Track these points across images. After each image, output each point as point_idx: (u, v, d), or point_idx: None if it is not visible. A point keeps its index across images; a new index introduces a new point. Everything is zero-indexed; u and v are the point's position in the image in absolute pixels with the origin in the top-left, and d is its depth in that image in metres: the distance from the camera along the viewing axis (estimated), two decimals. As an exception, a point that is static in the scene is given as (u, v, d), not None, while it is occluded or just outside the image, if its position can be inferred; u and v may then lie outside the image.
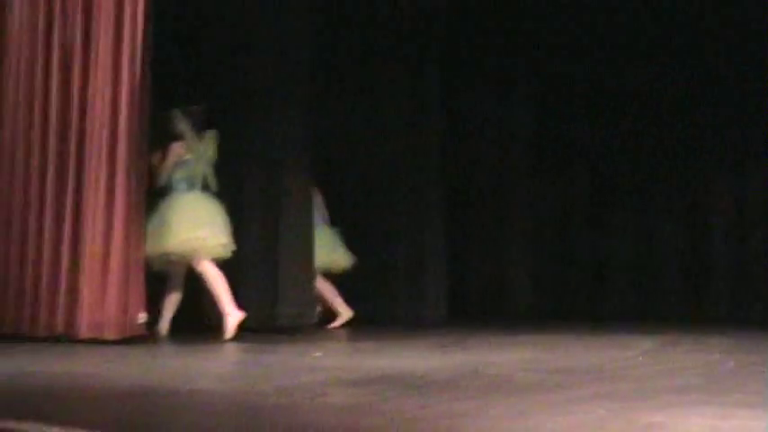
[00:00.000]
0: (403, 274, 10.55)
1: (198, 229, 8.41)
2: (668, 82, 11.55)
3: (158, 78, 8.27)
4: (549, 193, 12.05)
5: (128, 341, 7.69)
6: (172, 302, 8.63)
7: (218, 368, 6.65)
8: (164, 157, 8.65)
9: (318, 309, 9.61)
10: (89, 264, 7.84)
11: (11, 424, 4.11)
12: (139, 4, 7.95)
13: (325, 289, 9.93)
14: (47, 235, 8.05)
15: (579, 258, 11.94)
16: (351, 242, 10.48)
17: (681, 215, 11.65)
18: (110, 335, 7.72)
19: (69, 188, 8.03)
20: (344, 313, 9.98)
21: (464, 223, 11.77)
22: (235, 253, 8.99)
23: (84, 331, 7.81)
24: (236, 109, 9.44)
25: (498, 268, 11.80)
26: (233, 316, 8.36)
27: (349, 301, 10.28)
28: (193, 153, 8.67)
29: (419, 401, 4.95)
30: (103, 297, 7.78)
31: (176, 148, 8.68)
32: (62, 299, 7.94)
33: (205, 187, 8.69)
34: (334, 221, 10.38)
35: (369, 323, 10.14)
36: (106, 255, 7.80)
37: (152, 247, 8.28)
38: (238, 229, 9.25)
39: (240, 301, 9.08)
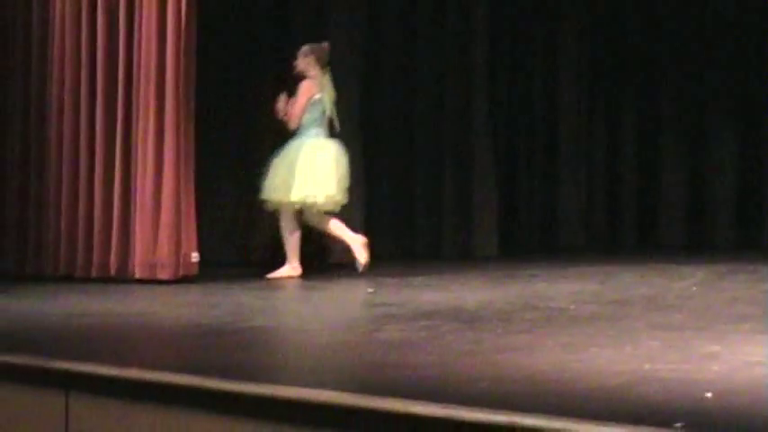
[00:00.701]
0: (453, 208, 10.51)
1: (319, 185, 8.14)
2: (722, 19, 11.41)
3: (205, 24, 8.27)
4: (599, 123, 11.95)
5: (181, 281, 7.74)
6: (334, 236, 8.45)
7: (270, 306, 6.69)
8: (289, 100, 8.28)
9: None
10: (141, 204, 7.88)
11: (66, 364, 4.16)
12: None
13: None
14: (98, 177, 8.10)
15: (630, 189, 11.85)
16: (400, 177, 10.46)
17: (732, 143, 11.53)
18: (163, 275, 7.77)
19: (119, 129, 8.06)
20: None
21: (513, 156, 11.70)
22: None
23: (137, 272, 7.87)
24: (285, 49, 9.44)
25: (549, 200, 11.74)
26: (295, 269, 8.24)
27: (400, 235, 10.28)
28: (322, 92, 8.33)
29: (472, 336, 4.95)
30: (156, 237, 7.82)
31: (309, 86, 8.27)
32: (114, 240, 8.00)
33: (331, 129, 8.40)
34: (382, 156, 10.32)
35: (419, 258, 10.14)
36: (157, 194, 7.83)
37: (275, 196, 8.23)
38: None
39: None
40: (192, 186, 7.91)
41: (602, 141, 12.02)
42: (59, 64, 8.31)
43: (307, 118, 8.28)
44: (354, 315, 6.02)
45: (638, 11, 11.75)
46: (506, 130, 11.57)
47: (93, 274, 8.05)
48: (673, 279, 7.54)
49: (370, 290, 7.22)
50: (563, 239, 11.59)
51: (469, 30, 10.53)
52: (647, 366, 3.86)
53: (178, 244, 7.78)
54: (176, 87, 7.81)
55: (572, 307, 5.91)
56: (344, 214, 8.57)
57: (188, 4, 7.83)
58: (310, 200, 8.17)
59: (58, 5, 8.36)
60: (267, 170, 8.31)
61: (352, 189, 9.10)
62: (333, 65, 9.10)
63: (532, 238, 11.62)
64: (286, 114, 8.30)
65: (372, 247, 8.38)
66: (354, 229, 8.55)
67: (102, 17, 8.17)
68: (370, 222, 9.68)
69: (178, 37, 7.82)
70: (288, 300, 7.05)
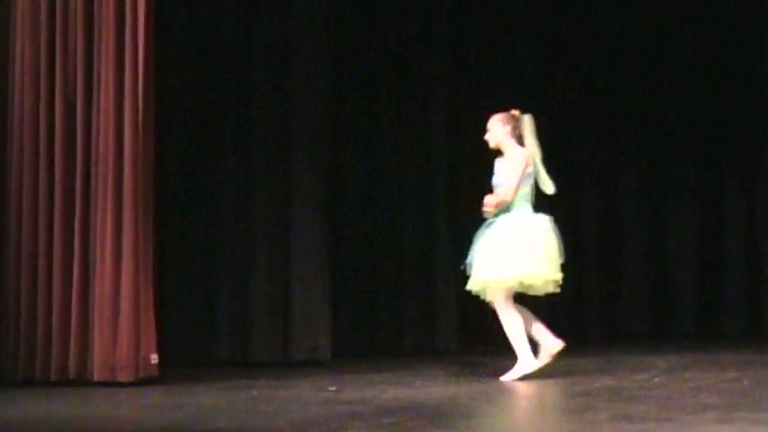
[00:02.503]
0: (413, 303, 10.50)
1: (540, 265, 7.58)
2: (676, 97, 11.66)
3: (164, 105, 8.28)
4: (560, 214, 12.01)
5: (141, 382, 7.67)
6: (535, 326, 7.64)
7: (232, 406, 6.64)
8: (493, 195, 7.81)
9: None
10: (99, 306, 7.82)
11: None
12: (140, 34, 7.89)
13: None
14: (56, 279, 8.02)
15: (592, 280, 11.90)
16: (363, 271, 10.44)
17: (692, 234, 11.66)
18: (123, 377, 7.70)
19: (76, 228, 7.99)
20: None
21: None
22: (244, 286, 9.05)
23: (96, 374, 7.79)
24: (247, 125, 9.48)
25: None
26: (529, 364, 7.41)
27: (362, 330, 10.23)
28: (534, 164, 7.77)
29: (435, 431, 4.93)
30: (115, 339, 7.76)
31: (524, 158, 7.75)
32: (73, 342, 7.91)
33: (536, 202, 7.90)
34: (344, 245, 10.28)
35: (381, 353, 10.10)
36: (116, 296, 7.78)
37: (485, 275, 7.64)
38: (249, 259, 9.26)
39: (250, 336, 9.11)
40: (150, 287, 7.86)
41: (563, 235, 12.08)
42: (18, 165, 8.26)
43: (519, 194, 7.78)
44: (316, 413, 5.97)
45: (594, 100, 11.91)
46: (466, 223, 11.60)
47: (53, 377, 7.96)
48: (635, 370, 7.55)
49: (333, 388, 7.19)
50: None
51: (428, 125, 10.60)
52: (609, 460, 3.85)
53: (137, 345, 7.72)
54: (135, 188, 7.79)
55: (535, 401, 5.90)
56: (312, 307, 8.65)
57: (145, 95, 7.85)
58: (526, 279, 7.61)
59: (17, 94, 8.32)
60: (472, 251, 7.81)
61: (317, 282, 9.11)
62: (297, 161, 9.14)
63: (495, 332, 11.60)
64: (496, 205, 7.79)
65: (335, 343, 8.36)
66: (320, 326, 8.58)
67: (60, 108, 8.14)
68: (334, 317, 9.64)
69: (136, 131, 7.81)
70: (250, 400, 6.98)
